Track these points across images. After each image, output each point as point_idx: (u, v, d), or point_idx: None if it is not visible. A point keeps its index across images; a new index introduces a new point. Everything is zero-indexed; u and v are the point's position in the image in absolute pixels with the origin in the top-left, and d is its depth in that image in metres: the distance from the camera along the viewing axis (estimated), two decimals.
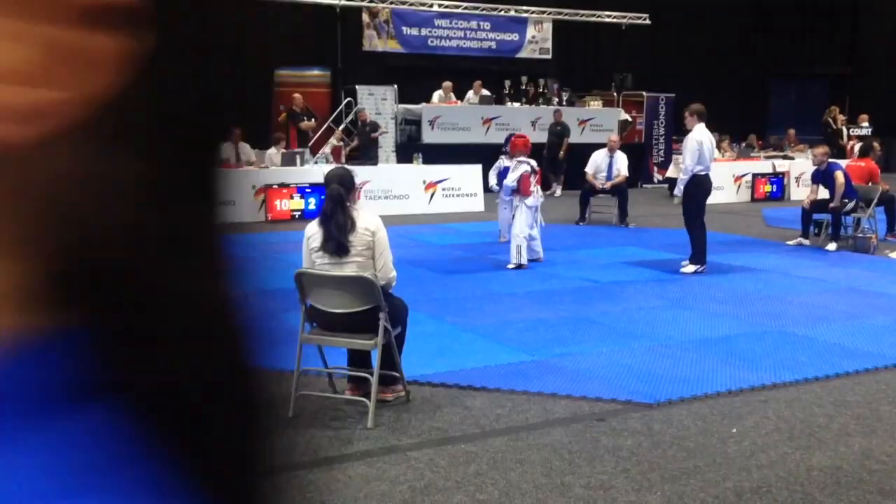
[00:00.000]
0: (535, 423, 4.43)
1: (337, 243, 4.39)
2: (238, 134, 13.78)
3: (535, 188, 8.91)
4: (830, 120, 19.93)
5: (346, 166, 5.98)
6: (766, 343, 6.01)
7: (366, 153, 15.59)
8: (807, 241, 10.82)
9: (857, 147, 14.56)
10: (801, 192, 15.63)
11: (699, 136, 8.55)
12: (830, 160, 10.99)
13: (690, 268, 8.68)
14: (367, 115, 16.51)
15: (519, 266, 8.72)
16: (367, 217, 4.49)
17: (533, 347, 5.82)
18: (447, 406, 4.66)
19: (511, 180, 8.83)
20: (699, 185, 8.64)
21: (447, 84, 17.80)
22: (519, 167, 8.79)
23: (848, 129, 19.36)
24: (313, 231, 4.50)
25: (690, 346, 5.92)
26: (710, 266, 8.75)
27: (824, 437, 4.27)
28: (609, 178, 12.62)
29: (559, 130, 16.84)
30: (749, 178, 16.52)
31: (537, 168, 9.08)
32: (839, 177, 10.47)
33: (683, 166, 8.87)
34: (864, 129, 19.29)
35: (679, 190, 9.02)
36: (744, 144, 18.93)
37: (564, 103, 19.14)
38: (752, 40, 24.91)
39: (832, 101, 22.49)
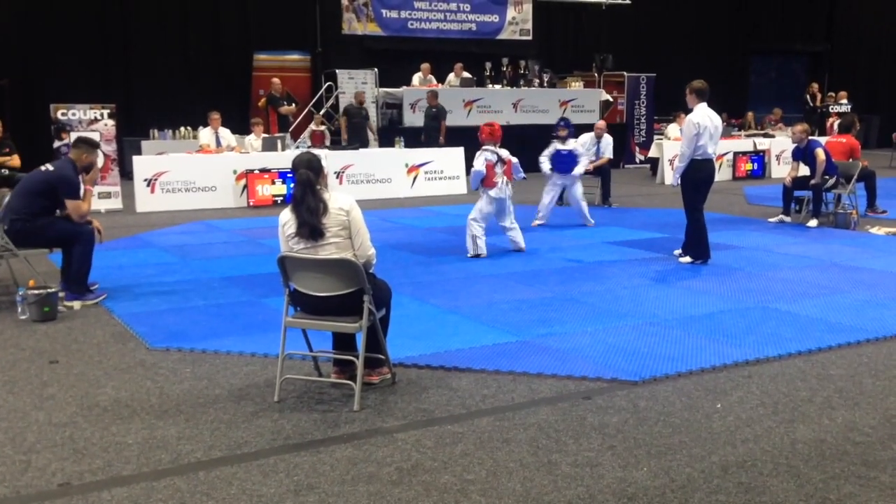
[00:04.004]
0: (521, 402, 4.43)
1: (311, 228, 4.36)
2: (217, 119, 13.66)
3: (501, 179, 8.45)
4: (809, 97, 20.00)
5: (311, 151, 5.90)
6: (750, 319, 6.04)
7: (356, 137, 15.39)
8: (788, 218, 10.89)
9: (836, 124, 14.63)
10: (781, 170, 15.74)
11: (697, 117, 7.76)
12: (811, 137, 11.04)
13: (686, 259, 8.16)
14: (366, 98, 16.32)
15: (476, 255, 8.55)
16: (340, 197, 4.46)
17: (518, 328, 5.82)
18: (433, 387, 4.66)
19: (476, 168, 8.46)
20: (698, 171, 7.87)
21: (425, 66, 17.71)
22: (480, 155, 8.48)
23: (827, 106, 19.45)
24: (287, 218, 4.47)
25: (675, 323, 5.94)
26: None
27: (808, 410, 4.30)
28: (597, 152, 12.65)
29: (434, 113, 15.83)
30: (730, 156, 16.59)
31: (507, 158, 8.50)
32: (820, 154, 10.52)
33: (679, 152, 8.05)
34: (844, 105, 19.40)
35: (675, 178, 8.16)
36: (724, 124, 18.98)
37: (546, 84, 19.11)
38: (732, 19, 24.92)
39: (812, 78, 22.58)
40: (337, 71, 17.39)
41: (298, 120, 16.88)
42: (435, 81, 17.84)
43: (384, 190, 13.90)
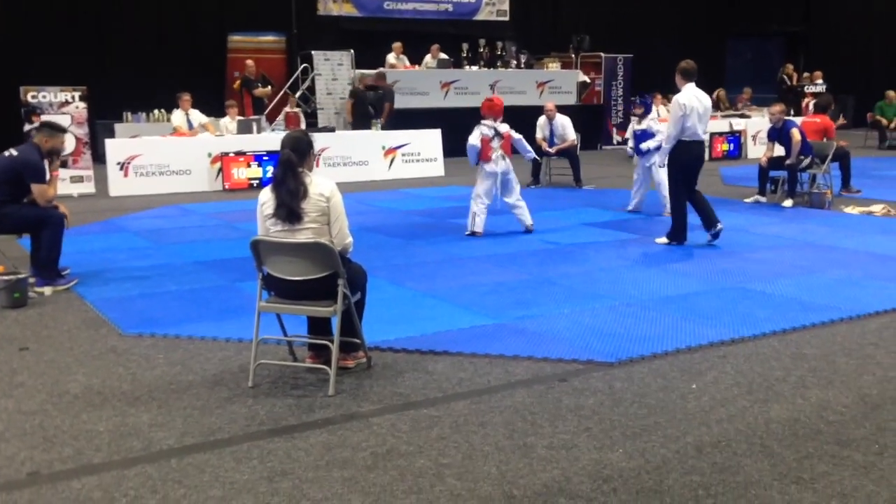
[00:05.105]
0: (496, 385, 4.42)
1: (288, 210, 4.29)
2: (187, 100, 13.47)
3: (498, 153, 8.38)
4: (785, 77, 20.08)
5: (304, 130, 5.81)
6: (725, 299, 6.07)
7: (362, 121, 15.09)
8: (764, 199, 10.94)
9: (812, 104, 14.70)
10: (757, 151, 15.80)
11: (684, 97, 7.66)
12: (786, 118, 11.08)
13: (662, 240, 8.15)
14: (368, 80, 15.97)
15: (473, 234, 8.58)
16: (321, 182, 4.38)
17: (494, 310, 5.81)
18: (409, 371, 4.63)
19: (471, 142, 8.47)
20: (684, 152, 7.76)
21: (397, 45, 17.54)
22: (477, 130, 8.50)
23: (802, 87, 19.54)
24: (266, 198, 4.40)
25: (651, 304, 5.95)
26: (668, 225, 8.65)
27: (782, 389, 4.32)
28: (552, 143, 12.62)
29: (381, 95, 15.45)
30: (706, 137, 16.60)
31: (505, 132, 8.42)
32: (795, 134, 10.56)
33: (665, 133, 7.98)
34: (819, 86, 19.50)
35: (662, 160, 8.05)
36: None
37: (523, 65, 19.02)
38: (709, 0, 24.92)
39: (788, 59, 22.67)
40: (313, 52, 17.20)
41: (274, 102, 16.71)
42: (407, 61, 17.71)
43: (361, 172, 13.80)
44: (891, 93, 18.55)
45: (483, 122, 8.48)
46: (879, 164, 15.11)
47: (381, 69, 16.51)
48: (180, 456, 3.59)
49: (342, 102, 16.88)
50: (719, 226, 8.01)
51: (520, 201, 8.72)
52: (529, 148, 9.05)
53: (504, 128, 8.48)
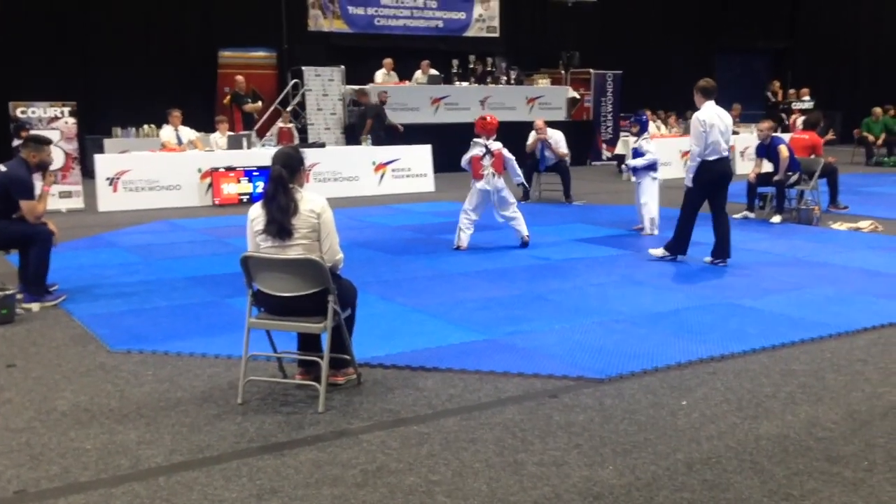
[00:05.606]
0: (487, 401, 4.41)
1: (279, 226, 4.28)
2: (177, 116, 13.47)
3: (489, 171, 8.47)
4: (771, 94, 20.23)
5: (295, 146, 5.82)
6: (715, 315, 6.08)
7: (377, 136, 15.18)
8: (752, 214, 11.00)
9: (799, 120, 14.81)
10: (745, 166, 15.88)
11: (705, 115, 7.54)
12: (774, 134, 11.16)
13: (658, 251, 8.07)
14: (370, 97, 16.14)
15: (458, 248, 8.65)
16: (312, 199, 4.38)
17: (484, 326, 5.80)
18: (399, 388, 4.62)
19: (464, 161, 8.69)
20: (706, 172, 7.60)
21: (388, 61, 17.65)
22: (472, 148, 8.59)
23: (789, 103, 19.68)
24: (257, 213, 4.39)
25: (641, 320, 5.96)
26: (658, 241, 8.71)
27: (771, 406, 4.33)
28: (543, 163, 12.67)
29: (362, 111, 15.80)
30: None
31: (496, 150, 8.49)
32: (783, 150, 10.64)
33: (690, 152, 7.77)
34: (806, 102, 19.66)
35: (688, 179, 7.78)
36: (690, 120, 19.13)
37: (513, 81, 19.12)
38: (696, 16, 25.13)
39: (775, 75, 22.85)
40: (303, 68, 17.25)
41: (265, 118, 16.72)
42: (397, 77, 17.78)
43: (351, 188, 13.81)
44: (877, 109, 18.72)
45: (474, 141, 8.59)
46: (866, 181, 15.23)
47: (363, 86, 16.62)
48: (168, 474, 3.57)
49: (333, 118, 16.92)
50: (727, 262, 7.85)
51: (515, 213, 8.82)
52: (519, 171, 9.20)
53: (496, 146, 8.55)
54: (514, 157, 8.84)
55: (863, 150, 18.92)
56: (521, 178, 9.63)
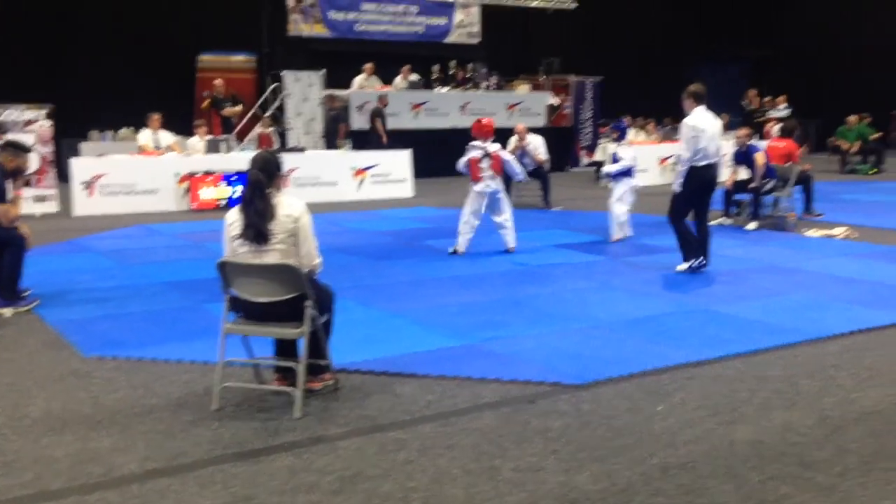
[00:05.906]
0: (464, 407, 4.41)
1: (256, 231, 4.26)
2: (157, 119, 13.38)
3: (488, 174, 8.51)
4: (745, 103, 20.40)
5: (272, 151, 5.80)
6: (691, 321, 6.12)
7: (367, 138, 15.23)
8: (728, 221, 11.08)
9: (775, 128, 14.95)
10: (722, 174, 16.00)
11: (694, 120, 7.51)
12: (750, 142, 11.26)
13: (683, 265, 7.81)
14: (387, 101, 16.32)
15: (455, 252, 8.68)
16: (290, 203, 4.36)
17: (462, 332, 5.80)
18: (376, 393, 4.61)
19: (461, 164, 8.70)
20: (695, 178, 7.55)
21: (368, 66, 17.62)
22: (470, 151, 8.61)
23: (765, 111, 19.84)
24: (234, 218, 4.36)
25: (618, 326, 5.99)
26: (636, 247, 8.75)
27: (746, 411, 4.36)
28: (522, 164, 12.71)
29: (334, 116, 15.87)
30: (674, 159, 16.81)
31: (494, 153, 8.51)
32: (759, 158, 10.74)
33: (679, 158, 7.75)
34: (782, 110, 19.84)
35: (677, 184, 7.71)
36: (668, 127, 19.26)
37: (493, 87, 19.16)
38: (675, 24, 25.32)
39: (752, 83, 23.04)
40: (283, 72, 17.19)
41: (244, 122, 16.64)
42: (379, 82, 17.76)
43: (330, 193, 13.77)
44: (851, 118, 18.92)
45: (471, 144, 8.62)
46: (840, 188, 15.39)
47: (331, 91, 16.69)
48: (142, 481, 3.53)
49: (312, 123, 16.86)
50: (703, 264, 7.76)
51: (508, 222, 8.84)
52: (518, 170, 9.21)
53: (493, 148, 8.61)
54: (511, 158, 8.92)
55: (837, 157, 19.11)
56: (521, 176, 9.69)
